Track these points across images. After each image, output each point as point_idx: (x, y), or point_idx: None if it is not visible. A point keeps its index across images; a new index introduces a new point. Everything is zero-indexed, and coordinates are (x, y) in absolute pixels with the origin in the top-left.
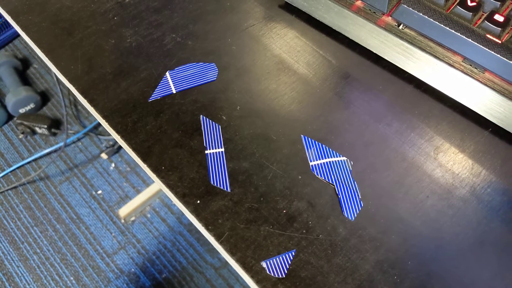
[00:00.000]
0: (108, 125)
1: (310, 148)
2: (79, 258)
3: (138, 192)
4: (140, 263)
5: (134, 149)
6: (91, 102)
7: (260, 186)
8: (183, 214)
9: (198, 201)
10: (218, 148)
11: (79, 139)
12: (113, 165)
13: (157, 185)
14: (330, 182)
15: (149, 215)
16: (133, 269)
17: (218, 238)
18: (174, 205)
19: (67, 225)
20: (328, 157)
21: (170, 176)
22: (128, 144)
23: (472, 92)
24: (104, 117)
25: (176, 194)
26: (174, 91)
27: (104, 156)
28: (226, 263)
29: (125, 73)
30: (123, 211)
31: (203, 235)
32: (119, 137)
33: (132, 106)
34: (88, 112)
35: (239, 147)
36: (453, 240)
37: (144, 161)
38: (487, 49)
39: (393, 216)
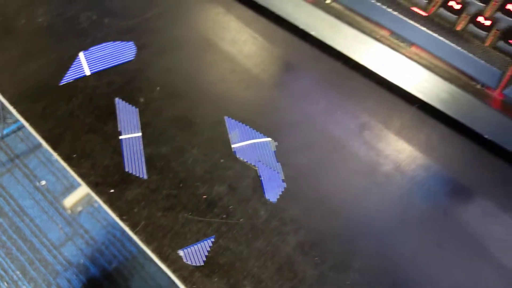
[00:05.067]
0: (16, 112)
1: (233, 129)
2: (25, 252)
3: None
4: (89, 254)
5: (44, 137)
6: None
7: (180, 172)
8: None
9: (112, 190)
10: (135, 132)
11: (19, 128)
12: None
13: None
14: (253, 164)
15: (96, 205)
16: (82, 260)
17: (133, 228)
18: None
19: (11, 218)
20: (252, 139)
21: (82, 164)
22: (37, 132)
23: (399, 68)
24: (12, 103)
25: (88, 183)
26: (88, 73)
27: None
28: None
29: (35, 55)
30: (69, 201)
31: None
32: (28, 124)
33: (42, 90)
34: None
35: (158, 131)
36: (376, 216)
37: (55, 149)
38: (412, 22)
39: (316, 196)
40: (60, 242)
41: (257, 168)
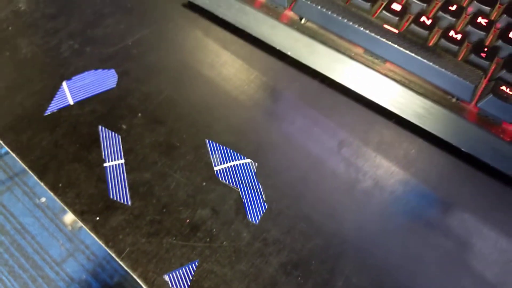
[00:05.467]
0: (3, 144)
1: (215, 152)
2: (27, 269)
3: None
4: (91, 269)
5: (30, 167)
6: None
7: (162, 197)
8: None
9: (97, 218)
10: (118, 159)
11: None
12: None
13: None
14: (235, 186)
15: None
16: (84, 276)
17: (119, 254)
18: None
19: (12, 236)
20: (233, 161)
21: (67, 193)
22: (23, 162)
23: (374, 84)
24: None
25: (74, 212)
26: (71, 102)
27: None
28: None
29: (19, 86)
30: (69, 217)
31: None
32: (14, 155)
33: (27, 121)
34: None
35: (140, 157)
36: (357, 233)
37: (41, 179)
38: (384, 40)
39: (296, 216)
40: (62, 258)
41: (239, 190)
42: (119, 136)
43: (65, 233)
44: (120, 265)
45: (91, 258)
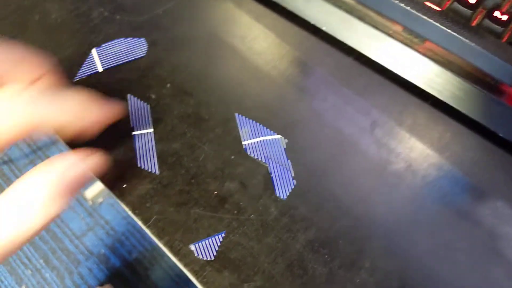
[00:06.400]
0: None
1: (244, 126)
2: (48, 241)
3: None
4: (110, 244)
5: None
6: None
7: (191, 168)
8: None
9: (125, 185)
10: (147, 128)
11: None
12: None
13: None
14: (263, 161)
15: None
16: (102, 250)
17: (145, 222)
18: None
19: None
20: (262, 136)
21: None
22: None
23: (411, 64)
24: None
25: (101, 179)
26: (100, 70)
27: None
28: None
29: (49, 51)
30: (90, 192)
31: None
32: None
33: None
34: None
35: (168, 127)
36: (387, 216)
37: (69, 146)
38: (425, 18)
39: (325, 195)
40: (82, 232)
41: (267, 165)
42: (148, 105)
43: (85, 207)
44: (138, 241)
45: (110, 233)
